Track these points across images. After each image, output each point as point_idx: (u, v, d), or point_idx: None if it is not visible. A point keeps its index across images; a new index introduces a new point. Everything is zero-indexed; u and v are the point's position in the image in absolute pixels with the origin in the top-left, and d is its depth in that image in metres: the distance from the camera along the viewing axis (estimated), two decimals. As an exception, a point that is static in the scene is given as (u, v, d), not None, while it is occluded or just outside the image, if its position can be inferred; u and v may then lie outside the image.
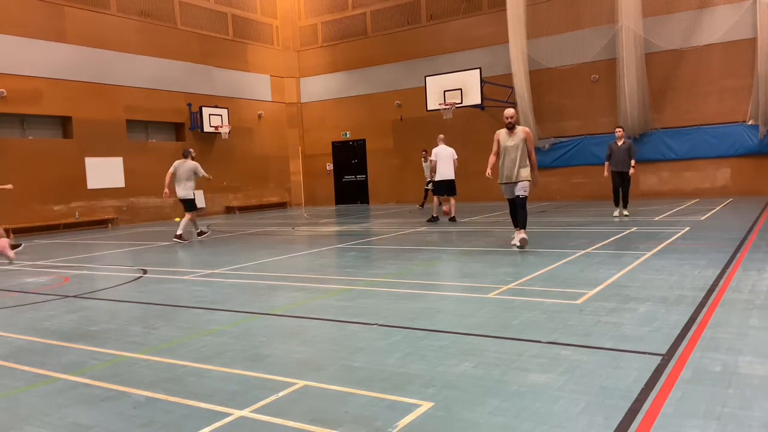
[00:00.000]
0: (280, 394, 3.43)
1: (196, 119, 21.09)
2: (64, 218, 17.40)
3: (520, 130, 8.69)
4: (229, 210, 22.58)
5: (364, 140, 24.31)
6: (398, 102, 22.99)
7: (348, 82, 24.36)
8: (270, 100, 24.74)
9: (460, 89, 19.05)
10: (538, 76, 19.61)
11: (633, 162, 12.57)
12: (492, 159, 8.99)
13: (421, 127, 21.79)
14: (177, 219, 20.09)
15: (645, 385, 3.29)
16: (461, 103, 19.06)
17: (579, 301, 5.31)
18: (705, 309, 4.85)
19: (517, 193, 8.70)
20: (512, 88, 19.51)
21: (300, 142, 25.65)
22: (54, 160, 17.17)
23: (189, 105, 21.13)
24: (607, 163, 12.86)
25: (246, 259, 9.45)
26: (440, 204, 14.23)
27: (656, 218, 12.28)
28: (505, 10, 19.37)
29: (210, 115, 21.30)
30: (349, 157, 24.91)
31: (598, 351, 3.94)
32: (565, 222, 12.64)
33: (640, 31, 17.74)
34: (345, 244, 10.98)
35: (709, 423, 2.80)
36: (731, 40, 17.14)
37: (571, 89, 19.52)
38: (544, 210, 15.89)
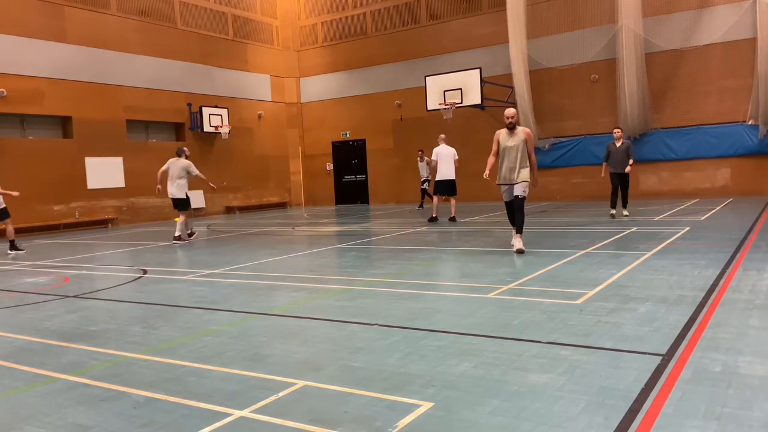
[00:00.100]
0: (280, 394, 3.43)
1: (196, 119, 21.09)
2: (64, 218, 17.40)
3: (521, 131, 8.54)
4: (229, 210, 22.58)
5: (364, 140, 24.31)
6: (398, 102, 22.99)
7: (348, 82, 24.36)
8: (270, 100, 24.74)
9: (460, 89, 19.05)
10: (538, 76, 19.61)
11: (631, 161, 12.51)
12: (491, 160, 8.80)
13: (421, 127, 21.80)
14: (177, 219, 20.10)
15: (645, 385, 3.29)
16: (461, 103, 19.06)
17: (579, 301, 5.31)
18: (705, 309, 4.85)
19: (515, 194, 8.55)
20: (512, 88, 19.51)
21: (300, 142, 25.65)
22: (54, 160, 17.17)
23: (189, 105, 21.13)
24: (605, 163, 12.82)
25: (246, 259, 9.45)
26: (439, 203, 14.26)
27: (656, 218, 12.28)
28: (505, 10, 19.37)
29: (210, 115, 21.30)
30: (349, 157, 24.91)
31: (598, 351, 3.94)
32: (565, 222, 12.64)
33: (640, 31, 17.74)
34: (345, 244, 10.98)
35: (709, 423, 2.80)
36: (731, 40, 17.14)
37: (571, 89, 19.52)
38: (544, 210, 15.89)
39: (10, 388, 3.84)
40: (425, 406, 3.16)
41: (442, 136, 14.54)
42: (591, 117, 19.27)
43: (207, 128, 21.15)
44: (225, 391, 3.54)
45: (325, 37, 24.87)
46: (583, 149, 19.28)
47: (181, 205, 12.52)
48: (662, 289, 5.66)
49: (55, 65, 17.36)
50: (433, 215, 14.01)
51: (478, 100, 18.96)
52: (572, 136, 19.71)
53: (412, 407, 3.15)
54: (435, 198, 14.20)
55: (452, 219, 13.94)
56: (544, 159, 19.65)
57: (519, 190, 8.51)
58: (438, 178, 14.03)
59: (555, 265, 7.26)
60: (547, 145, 19.89)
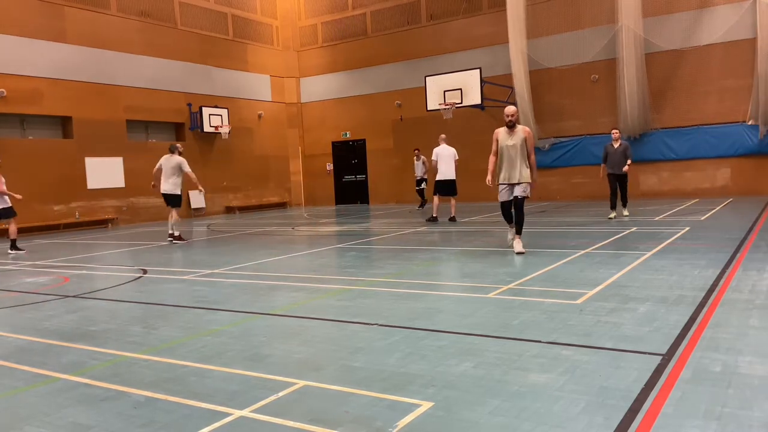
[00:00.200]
0: (280, 394, 3.43)
1: (196, 119, 21.10)
2: (64, 218, 17.41)
3: (521, 129, 8.37)
4: (229, 210, 22.59)
5: (364, 140, 24.31)
6: (398, 102, 23.00)
7: (348, 82, 24.36)
8: (270, 100, 24.75)
9: (460, 89, 19.06)
10: (538, 76, 19.62)
11: (629, 161, 12.45)
12: (492, 160, 8.57)
13: (421, 127, 21.80)
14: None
15: (645, 385, 3.29)
16: (461, 103, 19.07)
17: (579, 301, 5.31)
18: (705, 309, 4.85)
19: (516, 194, 8.33)
20: (512, 88, 19.52)
21: (300, 142, 25.65)
22: (54, 160, 17.18)
23: (189, 105, 21.14)
24: (603, 165, 12.76)
25: (246, 259, 9.45)
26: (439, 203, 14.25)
27: (656, 218, 12.28)
28: (505, 10, 19.37)
29: (210, 115, 21.31)
30: (349, 157, 24.92)
31: (598, 351, 3.94)
32: (565, 222, 12.64)
33: (640, 31, 17.74)
34: (345, 244, 10.98)
35: (709, 423, 2.80)
36: (731, 40, 17.14)
37: (571, 89, 19.52)
38: (544, 210, 15.89)
39: (10, 388, 3.84)
40: (425, 406, 3.16)
41: (443, 136, 14.54)
42: (591, 117, 19.28)
43: (207, 128, 21.15)
44: (225, 390, 3.54)
45: (325, 38, 24.87)
46: (583, 149, 19.28)
47: (175, 201, 12.40)
48: (662, 289, 5.66)
49: (55, 65, 17.36)
50: (434, 215, 14.01)
51: (478, 101, 18.97)
52: (572, 136, 19.72)
53: (412, 407, 3.15)
54: (435, 198, 14.17)
55: (452, 219, 13.94)
56: (544, 159, 19.66)
57: (519, 191, 8.34)
58: (438, 177, 14.02)
59: (555, 265, 7.26)
60: (547, 145, 19.90)
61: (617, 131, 12.76)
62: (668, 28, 17.86)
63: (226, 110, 21.86)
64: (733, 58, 17.25)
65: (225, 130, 21.60)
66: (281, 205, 24.89)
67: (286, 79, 25.35)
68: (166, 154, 12.56)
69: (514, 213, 8.49)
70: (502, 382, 3.46)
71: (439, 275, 7.41)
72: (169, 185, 12.27)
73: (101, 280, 8.32)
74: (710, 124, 17.70)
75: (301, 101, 25.73)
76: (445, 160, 13.90)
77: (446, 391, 3.35)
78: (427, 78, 19.87)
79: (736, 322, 4.45)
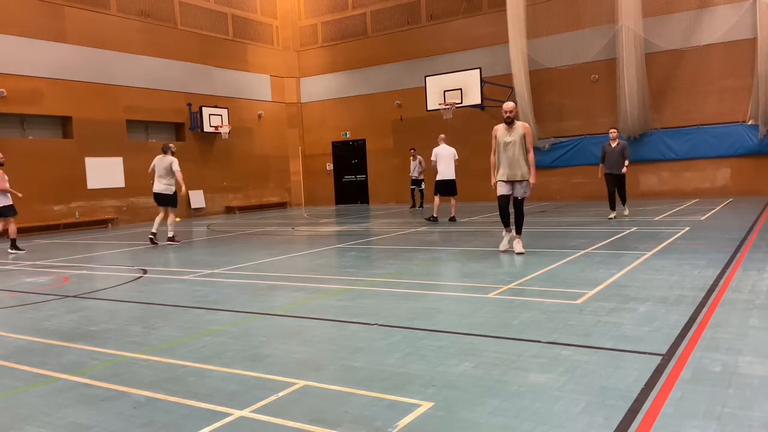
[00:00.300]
0: (280, 394, 3.43)
1: (196, 119, 21.10)
2: (64, 218, 17.41)
3: (519, 125, 8.22)
4: (229, 210, 22.59)
5: (364, 140, 24.31)
6: (398, 102, 23.00)
7: (348, 82, 24.36)
8: (270, 100, 24.75)
9: (460, 89, 19.08)
10: (538, 76, 19.62)
11: (627, 162, 12.38)
12: (493, 160, 8.45)
13: (421, 127, 21.80)
14: (177, 219, 20.10)
15: (645, 385, 3.29)
16: (461, 103, 19.08)
17: (579, 301, 5.31)
18: (705, 309, 4.85)
19: (516, 195, 8.25)
20: (512, 88, 19.51)
21: (300, 142, 25.65)
22: (54, 160, 17.18)
23: (189, 105, 21.14)
24: (601, 164, 12.70)
25: (246, 259, 9.45)
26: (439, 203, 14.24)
27: (656, 218, 12.28)
28: (505, 10, 19.37)
29: (210, 115, 21.31)
30: (349, 157, 24.92)
31: (598, 351, 3.94)
32: (565, 222, 12.64)
33: (640, 31, 17.74)
34: (345, 244, 10.98)
35: (709, 423, 2.80)
36: (731, 40, 17.14)
37: (571, 89, 19.52)
38: (544, 210, 15.89)
39: (10, 388, 3.84)
40: (425, 406, 3.16)
41: (442, 136, 14.54)
42: (591, 117, 19.28)
43: (207, 128, 21.15)
44: (225, 391, 3.54)
45: (325, 38, 24.87)
46: (583, 149, 19.28)
47: (170, 201, 12.27)
48: (662, 289, 5.66)
49: (55, 65, 17.36)
50: (434, 215, 14.00)
51: (478, 100, 18.97)
52: (572, 136, 19.72)
53: (412, 407, 3.15)
54: (436, 198, 14.14)
55: (452, 219, 13.94)
56: (544, 159, 19.66)
57: (520, 192, 8.24)
58: (438, 178, 14.02)
59: (555, 265, 7.26)
60: (547, 145, 19.90)
61: (615, 130, 12.70)
62: (668, 28, 17.86)
63: (226, 110, 21.86)
64: (733, 58, 17.25)
65: (225, 130, 21.60)
66: (281, 205, 24.89)
67: (286, 79, 25.35)
68: (176, 152, 12.59)
69: (513, 213, 8.38)
70: (501, 382, 3.46)
71: (439, 275, 7.41)
72: (163, 185, 12.13)
73: (101, 280, 8.32)
74: (710, 124, 17.70)
75: (301, 101, 25.73)
76: (445, 160, 13.90)
77: (446, 391, 3.35)
78: (427, 78, 19.87)
79: (736, 322, 4.45)
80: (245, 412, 3.18)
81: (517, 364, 3.75)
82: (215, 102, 21.85)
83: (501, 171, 8.30)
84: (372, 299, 5.94)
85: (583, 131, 19.49)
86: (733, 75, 17.28)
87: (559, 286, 6.03)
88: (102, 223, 18.33)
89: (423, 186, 19.24)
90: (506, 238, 8.55)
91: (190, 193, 21.06)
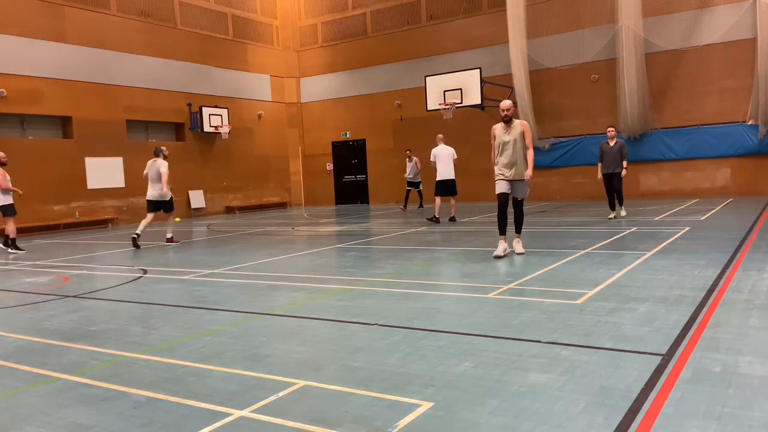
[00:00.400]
0: (280, 394, 3.43)
1: (196, 119, 21.10)
2: (64, 218, 17.41)
3: (518, 124, 8.09)
4: (229, 210, 22.59)
5: (364, 140, 24.31)
6: (398, 102, 23.00)
7: (348, 82, 24.36)
8: (270, 100, 24.75)
9: (460, 89, 19.07)
10: (538, 76, 19.62)
11: (625, 164, 12.29)
12: (494, 160, 8.32)
13: (421, 127, 21.80)
14: (177, 219, 20.10)
15: (645, 385, 3.29)
16: (461, 103, 19.08)
17: (579, 301, 5.31)
18: (705, 309, 4.85)
19: (516, 196, 8.18)
20: (512, 88, 19.52)
21: (300, 142, 25.66)
22: (54, 160, 17.18)
23: (189, 105, 21.14)
24: (600, 164, 12.60)
25: (246, 259, 9.45)
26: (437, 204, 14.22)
27: (656, 218, 12.27)
28: (505, 10, 19.37)
29: (210, 115, 21.31)
30: (349, 157, 24.92)
31: (598, 351, 3.94)
32: (565, 222, 12.64)
33: (640, 31, 17.74)
34: (345, 244, 10.98)
35: (709, 423, 2.80)
36: (731, 40, 17.14)
37: (571, 89, 19.52)
38: (544, 210, 15.89)
39: (10, 388, 3.84)
40: (425, 406, 3.16)
41: (440, 136, 14.53)
42: (591, 117, 19.27)
43: (207, 128, 21.15)
44: (225, 391, 3.54)
45: (325, 38, 24.87)
46: (583, 149, 19.27)
47: (166, 206, 12.15)
48: (662, 289, 5.66)
49: (55, 65, 17.36)
50: (435, 215, 13.97)
51: (478, 100, 18.97)
52: (572, 136, 19.72)
53: (412, 407, 3.15)
54: (437, 199, 14.10)
55: (452, 219, 13.94)
56: (544, 159, 19.66)
57: (520, 193, 8.19)
58: (438, 178, 14.00)
59: (555, 265, 7.26)
60: (547, 145, 19.90)
61: (613, 129, 12.59)
62: (668, 28, 17.86)
63: (226, 110, 21.87)
64: (733, 58, 17.25)
65: (225, 130, 21.60)
66: (281, 205, 24.89)
67: (286, 79, 25.35)
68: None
69: (513, 213, 8.33)
70: (501, 382, 3.46)
71: (439, 275, 7.41)
72: (156, 191, 11.92)
73: (101, 280, 8.32)
74: (710, 124, 17.71)
75: (301, 101, 25.73)
76: (444, 160, 13.89)
77: (446, 391, 3.35)
78: (427, 78, 19.87)
79: (736, 322, 4.45)
80: (245, 412, 3.18)
81: (517, 364, 3.75)
82: (215, 102, 21.85)
83: (500, 171, 8.17)
84: (372, 299, 5.94)
85: (583, 131, 19.49)
86: (733, 75, 17.27)
87: (559, 286, 6.03)
88: (102, 223, 18.34)
89: (421, 187, 19.14)
90: (501, 247, 8.13)
91: (190, 193, 21.09)
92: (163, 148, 12.33)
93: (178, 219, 20.07)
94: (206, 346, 4.53)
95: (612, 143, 12.35)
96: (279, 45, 25.22)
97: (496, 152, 8.20)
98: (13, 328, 5.46)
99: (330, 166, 25.36)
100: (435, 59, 21.83)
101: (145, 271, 8.63)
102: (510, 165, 8.06)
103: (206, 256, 10.32)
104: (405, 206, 19.38)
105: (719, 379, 3.33)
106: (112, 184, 18.72)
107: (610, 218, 12.36)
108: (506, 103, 8.11)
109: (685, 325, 4.42)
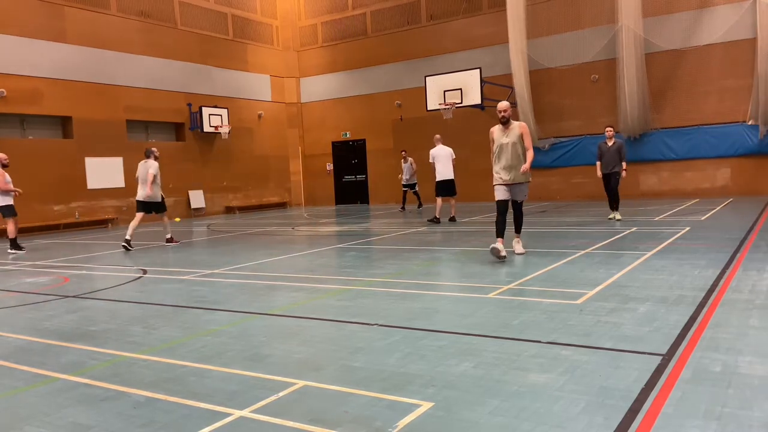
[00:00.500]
0: (280, 394, 3.43)
1: (196, 119, 21.10)
2: (64, 218, 17.41)
3: (516, 126, 7.94)
4: (228, 210, 22.59)
5: (364, 140, 24.31)
6: (398, 102, 23.00)
7: (348, 82, 24.36)
8: (270, 100, 24.75)
9: (460, 89, 19.06)
10: (538, 76, 19.62)
11: (624, 165, 12.21)
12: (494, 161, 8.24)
13: (421, 127, 21.79)
14: (177, 219, 20.11)
15: (645, 385, 3.29)
16: (461, 103, 19.07)
17: (579, 301, 5.31)
18: (705, 309, 4.85)
19: (515, 199, 8.09)
20: (512, 88, 19.52)
21: (300, 142, 25.66)
22: (54, 160, 17.18)
23: (189, 105, 21.14)
24: (599, 163, 12.52)
25: (246, 259, 9.45)
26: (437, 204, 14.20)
27: (656, 218, 12.27)
28: (505, 10, 19.37)
29: (210, 115, 21.30)
30: (349, 157, 24.92)
31: (598, 351, 3.94)
32: (565, 222, 12.64)
33: (640, 31, 17.74)
34: (345, 244, 10.98)
35: (709, 423, 2.80)
36: (731, 40, 17.14)
37: (571, 89, 19.52)
38: (544, 210, 15.89)
39: (10, 388, 3.84)
40: (425, 406, 3.16)
41: (438, 136, 14.52)
42: (591, 117, 19.27)
43: (207, 128, 21.15)
44: (225, 391, 3.54)
45: (325, 38, 24.87)
46: (583, 149, 19.26)
47: (157, 207, 12.06)
48: (662, 289, 5.66)
49: (55, 65, 17.36)
50: (436, 216, 13.94)
51: (478, 100, 18.97)
52: (572, 136, 19.72)
53: (412, 407, 3.15)
54: (438, 200, 14.07)
55: (452, 219, 13.94)
56: (544, 159, 19.66)
57: (520, 196, 8.08)
58: (437, 178, 13.98)
59: (555, 265, 7.26)
60: (547, 145, 19.90)
61: (611, 129, 12.47)
62: (668, 28, 17.86)
63: (226, 110, 21.86)
64: (733, 58, 17.25)
65: (225, 130, 21.60)
66: (281, 205, 24.89)
67: (286, 79, 25.35)
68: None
69: (513, 214, 8.26)
70: (501, 382, 3.46)
71: (439, 275, 7.41)
72: (145, 191, 11.82)
73: (101, 280, 8.32)
74: (710, 124, 17.70)
75: (301, 101, 25.73)
76: (443, 160, 13.87)
77: (446, 391, 3.35)
78: (427, 78, 19.86)
79: (736, 322, 4.45)
80: (245, 412, 3.18)
81: (517, 364, 3.75)
82: (215, 102, 21.85)
83: (499, 174, 8.00)
84: (372, 299, 5.94)
85: (583, 131, 19.48)
86: (733, 75, 17.27)
87: (559, 286, 6.03)
88: (102, 223, 18.33)
89: (417, 188, 19.05)
90: (497, 248, 7.70)
91: (190, 193, 21.08)
92: (154, 149, 12.23)
93: (178, 219, 20.10)
94: (206, 346, 4.53)
95: (610, 143, 12.25)
96: (279, 45, 25.21)
97: (495, 155, 8.06)
98: (13, 328, 5.46)
99: (330, 166, 25.36)
100: (435, 59, 21.83)
101: (144, 272, 8.63)
102: (509, 168, 7.90)
103: (206, 256, 10.32)
104: (403, 207, 19.36)
105: (719, 379, 3.33)
106: (112, 184, 18.72)
107: (610, 218, 12.33)
108: (503, 105, 7.97)
109: (685, 325, 4.42)
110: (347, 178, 25.10)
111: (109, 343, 4.79)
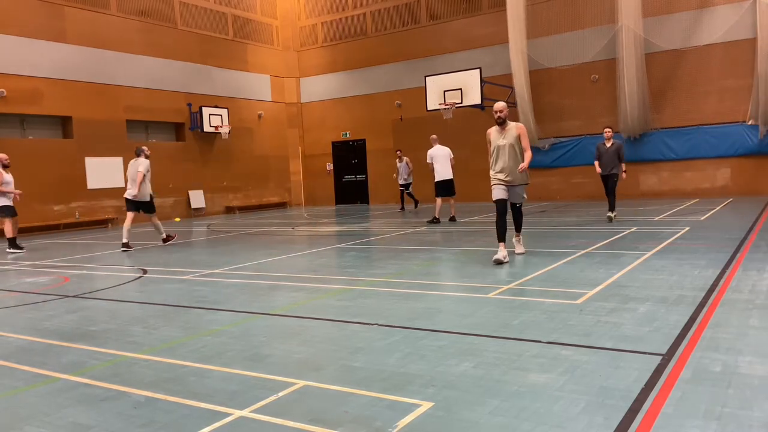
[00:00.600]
0: (280, 394, 3.43)
1: (196, 119, 21.10)
2: (64, 218, 17.41)
3: (513, 127, 7.76)
4: (229, 210, 22.59)
5: (364, 140, 24.31)
6: (398, 102, 23.00)
7: (348, 82, 24.36)
8: (270, 100, 24.75)
9: (460, 89, 19.06)
10: (538, 76, 19.62)
11: (623, 167, 12.11)
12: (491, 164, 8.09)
13: (421, 127, 21.78)
14: (177, 219, 20.11)
15: (645, 385, 3.29)
16: (461, 103, 19.06)
17: (579, 301, 5.31)
18: (705, 309, 4.85)
19: (513, 201, 7.97)
20: (512, 88, 19.52)
21: (300, 142, 25.66)
22: (54, 160, 17.18)
23: (189, 105, 21.13)
24: (597, 162, 12.47)
25: (246, 259, 9.45)
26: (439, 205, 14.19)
27: (656, 218, 12.27)
28: (505, 10, 19.37)
29: (210, 115, 21.30)
30: (349, 157, 24.92)
31: (598, 351, 3.94)
32: (565, 222, 12.64)
33: (640, 31, 17.74)
34: (345, 244, 10.98)
35: (709, 423, 2.80)
36: (731, 40, 17.15)
37: (571, 89, 19.53)
38: (544, 210, 15.88)
39: (10, 388, 3.84)
40: (425, 406, 3.16)
41: (434, 136, 14.50)
42: (591, 117, 19.27)
43: (207, 128, 21.15)
44: (225, 391, 3.54)
45: (325, 38, 24.87)
46: (583, 149, 19.26)
47: (146, 207, 11.81)
48: (662, 289, 5.66)
49: (55, 65, 17.36)
50: (435, 216, 13.93)
51: (478, 100, 18.96)
52: (572, 136, 19.72)
53: (412, 407, 3.15)
54: (438, 200, 14.06)
55: (452, 219, 13.94)
56: (544, 159, 19.67)
57: (518, 198, 7.97)
58: (436, 179, 13.96)
59: (555, 265, 7.26)
60: (547, 145, 19.90)
61: (609, 130, 12.38)
62: (668, 28, 17.86)
63: (226, 110, 21.86)
64: (733, 58, 17.25)
65: (225, 130, 21.60)
66: (281, 205, 24.89)
67: (286, 79, 25.35)
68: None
69: (512, 215, 8.18)
70: (501, 382, 3.46)
71: (439, 275, 7.41)
72: (135, 190, 11.61)
73: (101, 280, 8.32)
74: (710, 124, 17.71)
75: (301, 101, 25.73)
76: (441, 160, 13.86)
77: (446, 391, 3.35)
78: (427, 78, 19.86)
79: (736, 322, 4.45)
80: (245, 412, 3.18)
81: (517, 364, 3.75)
82: (215, 102, 21.85)
83: (497, 175, 7.85)
84: (372, 299, 5.94)
85: (583, 131, 19.48)
86: (733, 75, 17.28)
87: (559, 286, 6.03)
88: (102, 223, 18.33)
89: (411, 188, 19.01)
90: (501, 252, 7.65)
91: (190, 193, 21.08)
92: (144, 147, 12.02)
93: (178, 219, 20.11)
94: (206, 346, 4.53)
95: (609, 144, 12.18)
96: (279, 45, 25.21)
97: (492, 157, 7.88)
98: (13, 328, 5.46)
99: (330, 166, 25.36)
100: (435, 59, 21.83)
101: (145, 271, 8.63)
102: (506, 170, 7.75)
103: (206, 256, 10.32)
104: (402, 207, 19.36)
105: (719, 379, 3.33)
106: (112, 184, 18.71)
107: (610, 217, 12.29)
108: (499, 105, 7.81)
109: (685, 325, 4.42)
110: (347, 178, 25.10)
111: (109, 343, 4.79)
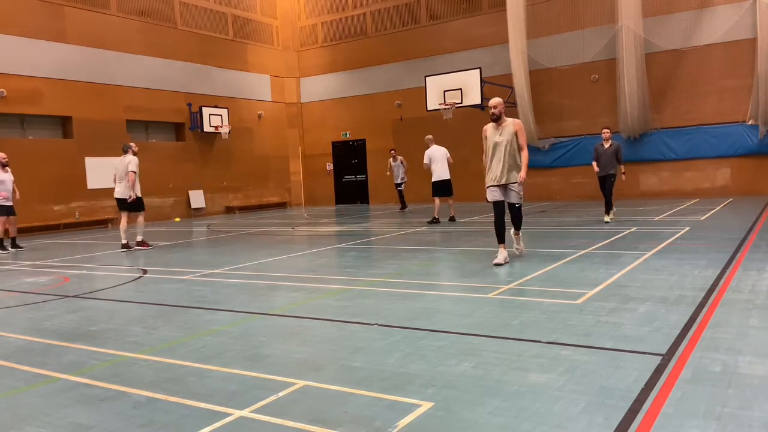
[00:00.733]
0: (280, 394, 3.43)
1: (196, 119, 21.09)
2: (64, 218, 17.40)
3: (510, 123, 7.49)
4: (229, 210, 22.59)
5: (364, 140, 24.31)
6: (398, 102, 23.00)
7: (348, 82, 24.36)
8: (270, 100, 24.74)
9: (460, 89, 19.04)
10: (538, 76, 19.61)
11: (623, 168, 12.05)
12: (486, 163, 7.77)
13: (421, 127, 21.73)
14: (177, 219, 20.10)
15: (645, 385, 3.29)
16: (461, 103, 19.05)
17: (579, 301, 5.31)
18: (705, 309, 4.85)
19: (511, 201, 7.63)
20: (512, 88, 19.52)
21: (300, 142, 25.65)
22: (54, 160, 17.17)
23: (189, 105, 21.13)
24: (595, 162, 12.41)
25: (246, 259, 9.45)
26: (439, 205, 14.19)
27: (656, 218, 12.27)
28: (505, 10, 19.37)
29: (210, 115, 21.30)
30: (349, 157, 24.91)
31: (598, 351, 3.94)
32: (565, 222, 12.64)
33: (640, 31, 17.74)
34: (345, 244, 10.98)
35: (709, 423, 2.80)
36: (731, 40, 17.14)
37: (571, 89, 19.52)
38: (544, 210, 15.88)
39: (10, 388, 3.84)
40: (425, 406, 3.16)
41: (430, 137, 14.49)
42: (591, 117, 19.27)
43: (207, 128, 21.14)
44: (225, 391, 3.54)
45: (325, 38, 24.87)
46: (583, 149, 19.22)
47: (135, 206, 11.45)
48: (662, 289, 5.66)
49: (55, 65, 17.35)
50: (435, 216, 13.93)
51: (478, 100, 18.95)
52: (572, 136, 19.71)
53: (412, 407, 3.15)
54: (436, 200, 14.06)
55: (452, 219, 13.94)
56: (544, 159, 19.66)
57: (515, 198, 7.60)
58: (434, 179, 13.94)
59: (555, 265, 7.26)
60: (547, 145, 19.90)
61: (608, 131, 12.26)
62: (668, 28, 17.86)
63: (226, 110, 21.86)
64: (733, 58, 17.24)
65: (225, 130, 21.59)
66: (281, 205, 24.89)
67: (286, 79, 25.35)
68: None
69: (511, 215, 7.91)
70: (501, 382, 3.46)
71: (439, 275, 7.41)
72: (124, 188, 11.33)
73: (101, 280, 8.32)
74: (710, 124, 17.70)
75: (301, 101, 25.73)
76: (438, 160, 13.85)
77: (446, 391, 3.35)
78: (427, 78, 19.85)
79: (736, 322, 4.45)
80: (245, 412, 3.18)
81: (517, 364, 3.75)
82: (215, 102, 21.85)
83: (491, 175, 7.61)
84: (372, 299, 5.94)
85: (583, 131, 19.48)
86: (733, 75, 17.27)
87: (559, 286, 6.03)
88: (102, 223, 18.33)
89: (402, 187, 18.98)
90: (501, 255, 7.56)
91: (190, 193, 21.08)
92: (132, 144, 11.66)
93: (178, 219, 20.11)
94: (206, 346, 4.53)
95: (607, 145, 12.11)
96: (279, 45, 25.21)
97: (488, 154, 7.66)
98: (13, 328, 5.46)
99: (330, 166, 25.36)
100: (435, 59, 21.83)
101: (144, 271, 8.63)
102: (502, 168, 7.50)
103: (206, 256, 10.32)
104: (403, 206, 19.36)
105: (719, 379, 3.33)
106: (112, 184, 18.48)
107: (606, 221, 12.13)
108: (495, 100, 7.57)
109: (685, 325, 4.42)
110: (347, 178, 25.10)
111: (109, 343, 4.79)
